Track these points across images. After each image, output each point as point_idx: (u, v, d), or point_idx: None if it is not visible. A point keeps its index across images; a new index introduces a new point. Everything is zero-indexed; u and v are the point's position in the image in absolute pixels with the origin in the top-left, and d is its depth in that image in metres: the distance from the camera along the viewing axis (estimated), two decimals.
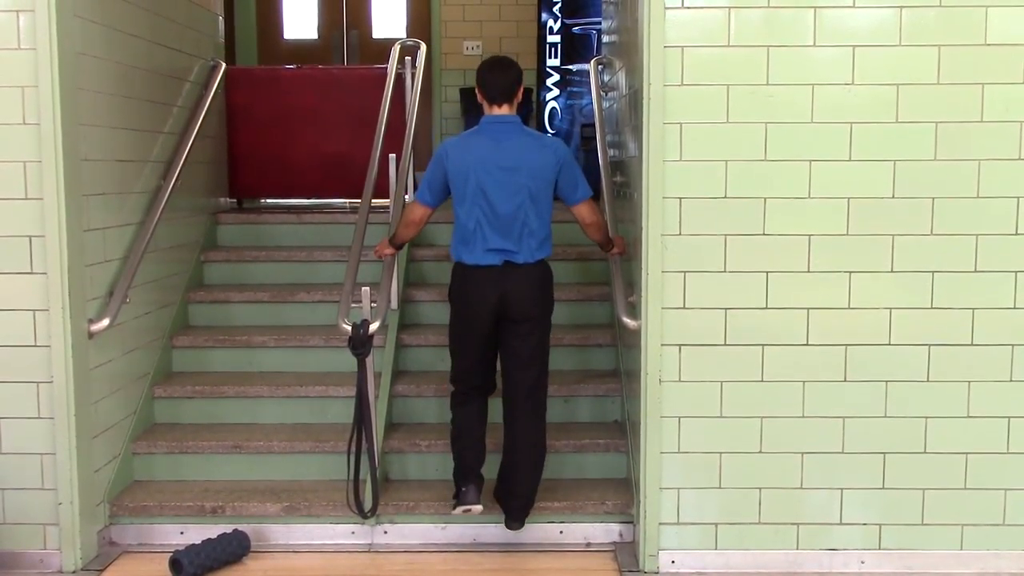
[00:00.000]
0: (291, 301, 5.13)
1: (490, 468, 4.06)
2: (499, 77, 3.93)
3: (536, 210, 3.89)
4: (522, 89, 4.00)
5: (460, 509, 3.95)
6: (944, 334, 3.75)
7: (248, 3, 8.68)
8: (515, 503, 3.98)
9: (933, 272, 3.72)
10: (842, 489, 3.82)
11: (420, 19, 8.54)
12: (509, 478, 3.99)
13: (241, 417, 4.65)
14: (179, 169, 4.79)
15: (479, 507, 3.95)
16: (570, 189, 3.97)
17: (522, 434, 3.97)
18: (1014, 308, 3.73)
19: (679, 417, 3.80)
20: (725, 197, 3.71)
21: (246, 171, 6.14)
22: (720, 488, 3.83)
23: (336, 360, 4.70)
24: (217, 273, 5.42)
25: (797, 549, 3.85)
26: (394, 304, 4.75)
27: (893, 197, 3.70)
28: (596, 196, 4.14)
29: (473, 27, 8.36)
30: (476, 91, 4.00)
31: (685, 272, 3.74)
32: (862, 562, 3.85)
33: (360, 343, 3.92)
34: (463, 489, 3.95)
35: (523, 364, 3.95)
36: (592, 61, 5.49)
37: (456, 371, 4.07)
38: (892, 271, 3.73)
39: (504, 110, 3.94)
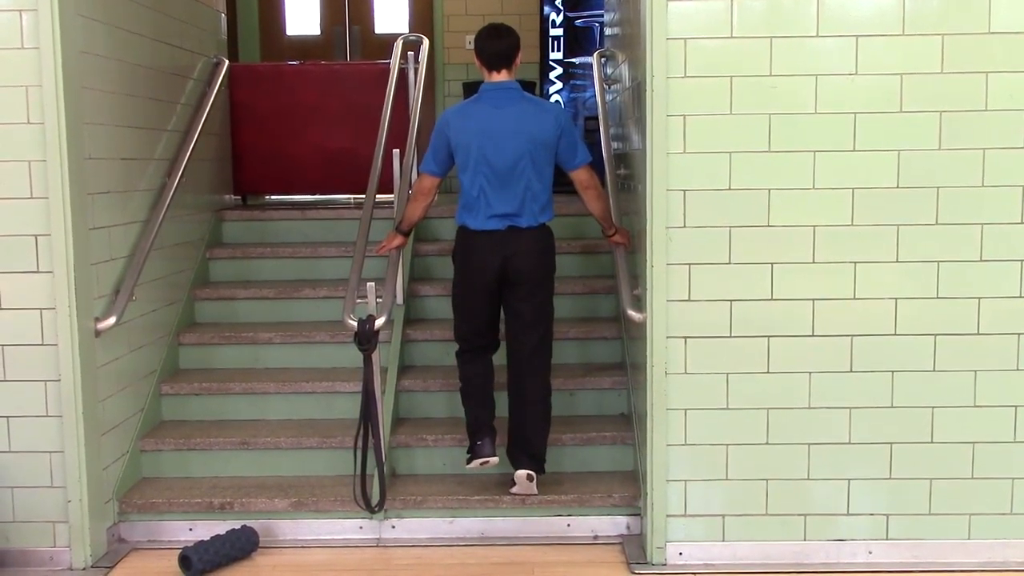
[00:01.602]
0: (296, 297, 5.14)
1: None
2: (497, 43, 3.99)
3: (538, 175, 3.96)
4: (520, 55, 4.06)
5: (477, 462, 4.00)
6: (950, 323, 3.74)
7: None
8: (527, 456, 4.05)
9: (938, 262, 3.72)
10: (849, 480, 3.82)
11: (422, 14, 8.53)
12: (520, 434, 4.06)
13: (248, 413, 4.66)
14: (183, 166, 4.80)
15: (495, 458, 4.02)
16: (569, 154, 4.02)
17: (530, 390, 4.05)
18: (1020, 297, 3.72)
19: (685, 409, 3.80)
20: (729, 189, 3.71)
21: (250, 168, 6.14)
22: (727, 480, 3.83)
23: (342, 356, 4.71)
24: (222, 270, 5.43)
25: (804, 540, 3.85)
26: (399, 299, 4.75)
27: (897, 187, 3.69)
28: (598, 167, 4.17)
29: (476, 21, 8.30)
30: (475, 59, 4.05)
31: (690, 264, 3.74)
32: (870, 552, 3.85)
33: (366, 339, 3.93)
34: (478, 443, 4.02)
35: (528, 324, 4.03)
36: (595, 54, 5.49)
37: (461, 332, 4.16)
38: (897, 261, 3.72)
39: (503, 76, 3.99)
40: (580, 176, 4.07)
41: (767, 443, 3.80)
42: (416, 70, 5.71)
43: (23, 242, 3.79)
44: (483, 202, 3.96)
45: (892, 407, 3.78)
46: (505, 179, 3.93)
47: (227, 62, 5.71)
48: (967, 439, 3.79)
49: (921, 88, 3.65)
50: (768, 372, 3.77)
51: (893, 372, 3.76)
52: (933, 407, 3.77)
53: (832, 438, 3.80)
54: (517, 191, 3.94)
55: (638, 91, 3.98)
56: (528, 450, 4.06)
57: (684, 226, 3.72)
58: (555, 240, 4.14)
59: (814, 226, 3.72)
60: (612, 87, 5.21)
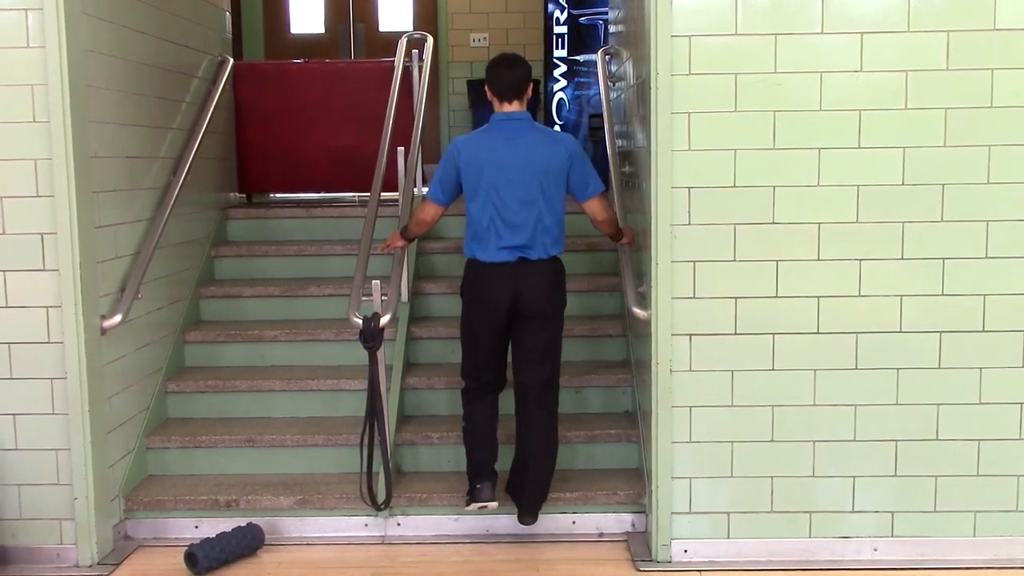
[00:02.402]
0: (301, 295, 5.15)
1: (503, 460, 4.07)
2: (508, 74, 3.93)
3: (549, 206, 3.89)
4: (531, 85, 3.99)
5: (475, 506, 3.96)
6: (955, 321, 3.74)
7: None
8: (528, 498, 3.98)
9: (944, 259, 3.71)
10: (854, 477, 3.82)
11: (426, 12, 8.53)
12: (522, 473, 3.99)
13: (253, 411, 4.66)
14: (188, 165, 4.80)
15: (494, 503, 3.95)
16: (581, 185, 3.96)
17: (534, 429, 3.97)
18: None
19: (690, 407, 3.80)
20: (734, 186, 3.71)
21: (255, 166, 6.16)
22: (732, 477, 3.83)
23: (347, 354, 4.71)
24: (228, 268, 5.44)
25: (809, 537, 3.85)
26: (404, 297, 4.76)
27: (903, 184, 3.69)
28: (606, 188, 4.13)
29: (480, 19, 8.35)
30: (486, 88, 3.99)
31: (695, 262, 3.74)
32: (875, 549, 3.85)
33: (371, 336, 3.93)
34: (477, 486, 3.95)
35: (536, 360, 3.95)
36: (599, 51, 5.49)
37: (468, 367, 4.07)
38: (902, 258, 3.72)
39: (514, 107, 3.94)
40: (593, 208, 4.00)
41: (772, 440, 3.80)
42: (420, 68, 5.72)
43: (29, 240, 3.79)
44: (493, 233, 3.88)
45: (897, 404, 3.77)
46: (516, 211, 3.86)
47: (232, 60, 5.71)
48: (972, 436, 3.78)
49: (926, 85, 3.65)
50: (773, 369, 3.77)
51: (898, 369, 3.76)
52: (938, 404, 3.77)
53: (837, 435, 3.80)
54: (528, 223, 3.87)
55: (642, 88, 3.98)
56: (528, 488, 3.96)
57: (689, 223, 3.72)
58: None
59: (819, 223, 3.71)
60: (616, 85, 5.21)
